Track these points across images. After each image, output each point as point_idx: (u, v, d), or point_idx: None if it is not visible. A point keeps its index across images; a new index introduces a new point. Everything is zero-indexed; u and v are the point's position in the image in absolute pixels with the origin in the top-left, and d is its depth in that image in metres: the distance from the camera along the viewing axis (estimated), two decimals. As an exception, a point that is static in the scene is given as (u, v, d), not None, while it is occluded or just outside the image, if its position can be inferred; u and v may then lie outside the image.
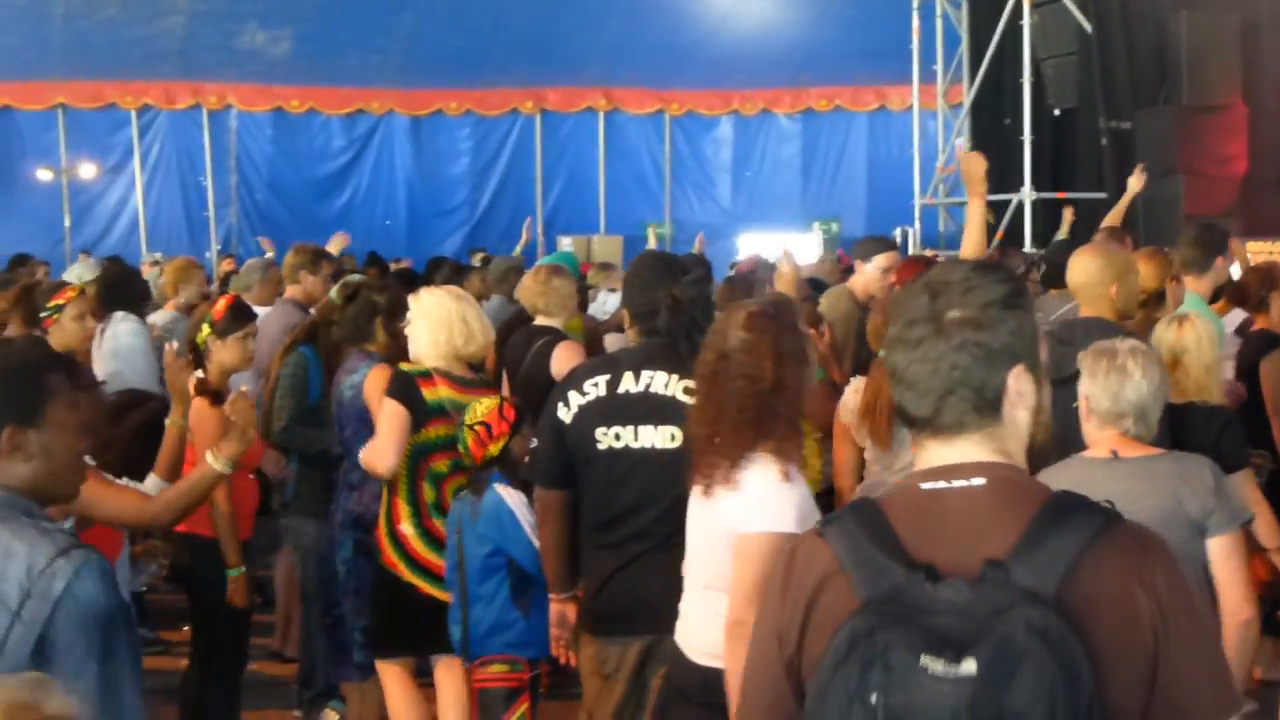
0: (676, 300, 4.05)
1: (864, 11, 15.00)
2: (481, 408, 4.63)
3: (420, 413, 4.74)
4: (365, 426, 5.15)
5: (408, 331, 5.11)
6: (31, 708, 1.06)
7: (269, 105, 18.43)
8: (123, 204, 18.42)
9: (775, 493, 3.22)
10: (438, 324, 4.91)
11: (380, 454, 4.81)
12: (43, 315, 5.93)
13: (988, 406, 1.88)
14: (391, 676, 5.22)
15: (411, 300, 5.15)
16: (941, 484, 1.86)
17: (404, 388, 4.80)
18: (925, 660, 1.60)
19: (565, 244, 15.73)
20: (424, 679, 5.33)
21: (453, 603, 4.72)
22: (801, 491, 3.29)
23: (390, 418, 4.79)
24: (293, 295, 7.43)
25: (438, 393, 4.78)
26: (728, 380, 3.30)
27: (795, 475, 3.29)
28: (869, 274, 6.46)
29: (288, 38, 16.79)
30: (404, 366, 4.96)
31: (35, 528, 2.63)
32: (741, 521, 3.20)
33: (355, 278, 6.76)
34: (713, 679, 3.32)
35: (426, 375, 4.84)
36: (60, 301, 6.05)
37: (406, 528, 4.84)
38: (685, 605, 3.43)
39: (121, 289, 7.51)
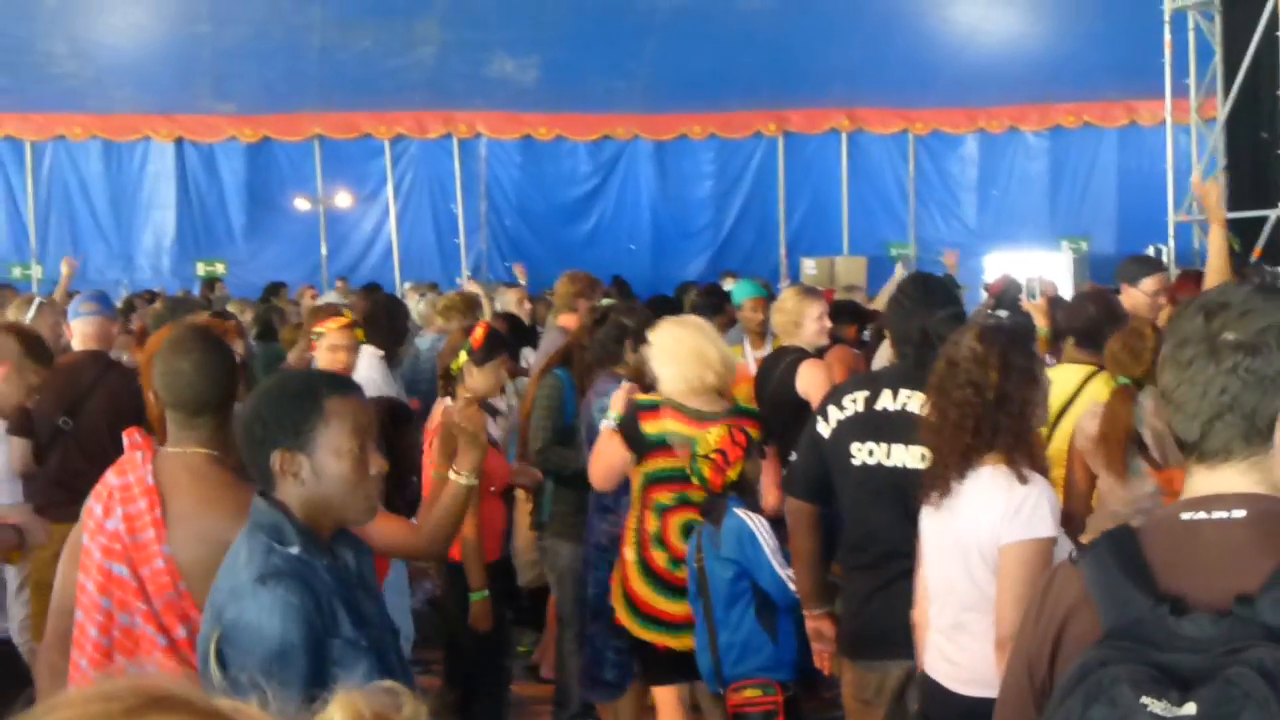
0: (925, 334, 4.27)
1: (1113, 25, 14.82)
2: (713, 436, 4.82)
3: (637, 445, 4.99)
4: (613, 449, 5.68)
5: (650, 362, 5.32)
6: (388, 717, 1.10)
7: (517, 133, 19.08)
8: (377, 231, 19.36)
9: (1020, 499, 3.32)
10: (673, 359, 5.09)
11: (597, 475, 5.22)
12: (313, 337, 6.39)
13: (1257, 435, 1.90)
14: (667, 703, 5.45)
15: (654, 335, 5.32)
16: (1201, 515, 1.91)
17: (626, 419, 5.08)
18: (1147, 699, 1.64)
19: (809, 266, 17.15)
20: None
21: (698, 629, 4.91)
22: (1043, 489, 3.37)
23: (602, 443, 5.15)
24: (565, 323, 7.85)
25: (662, 425, 5.00)
26: (954, 389, 3.45)
27: (1033, 475, 3.37)
28: (1136, 297, 6.39)
29: (535, 66, 17.37)
30: (638, 398, 5.20)
31: (265, 548, 2.85)
32: (998, 534, 3.32)
33: (606, 302, 7.52)
34: (982, 710, 3.16)
35: (654, 407, 5.07)
36: (320, 329, 6.46)
37: (629, 554, 5.09)
38: (938, 635, 3.49)
39: (379, 322, 7.98)
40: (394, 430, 4.11)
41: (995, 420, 3.37)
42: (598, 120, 18.97)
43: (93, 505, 4.02)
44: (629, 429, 5.00)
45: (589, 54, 16.70)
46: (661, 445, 4.93)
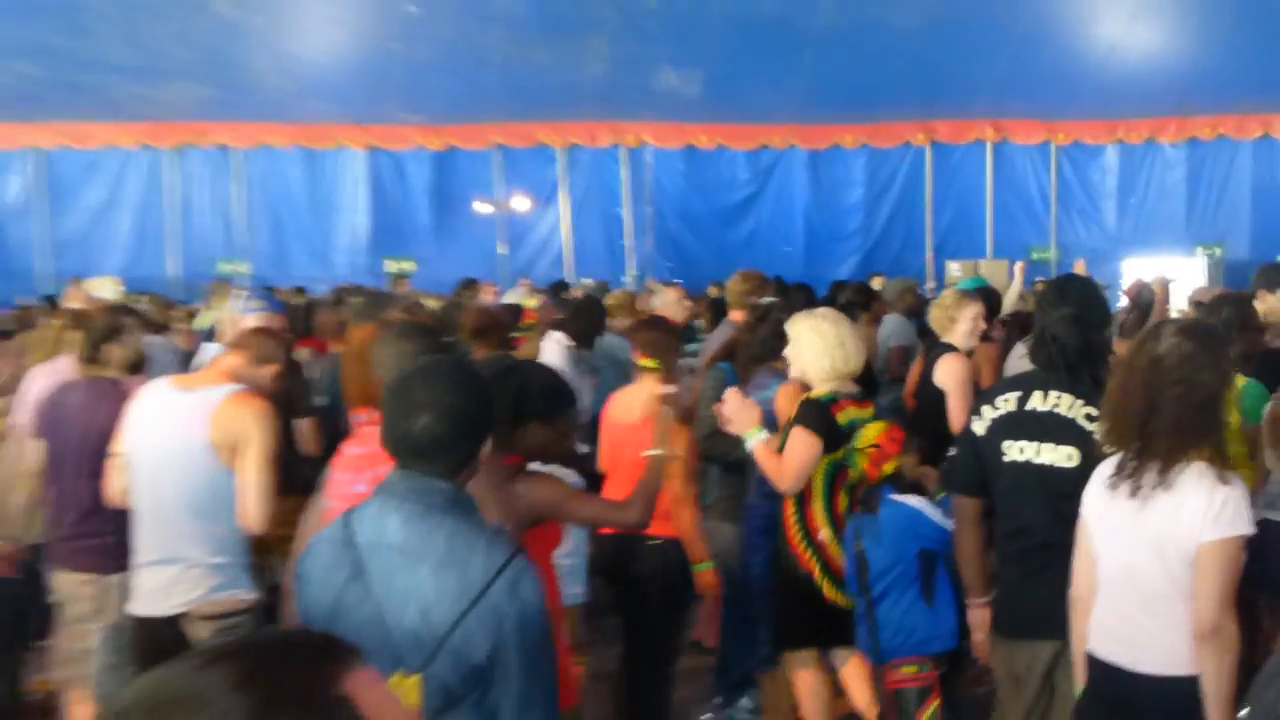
0: (1044, 332, 4.50)
1: (1249, 43, 15.28)
2: (871, 431, 5.14)
3: (835, 436, 5.14)
4: (774, 439, 5.64)
5: (788, 354, 5.50)
6: None
7: (681, 142, 19.84)
8: (550, 233, 20.20)
9: (1223, 498, 3.36)
10: (823, 349, 5.31)
11: (782, 476, 5.26)
12: (513, 335, 6.75)
13: None
14: (799, 665, 5.78)
15: (790, 326, 5.55)
16: None
17: (818, 416, 5.20)
18: None
19: (954, 269, 17.13)
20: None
21: (857, 611, 5.14)
22: (1241, 489, 3.44)
23: (799, 446, 5.20)
24: (736, 319, 8.02)
25: (847, 414, 5.21)
26: (1161, 388, 3.49)
27: (1233, 478, 3.43)
28: (1271, 301, 6.64)
29: (698, 79, 17.60)
30: (812, 395, 5.31)
31: (483, 525, 3.14)
32: (1200, 532, 3.38)
33: (765, 300, 7.48)
34: (1174, 689, 3.51)
35: (834, 400, 5.24)
36: (531, 322, 7.09)
37: (825, 536, 5.25)
38: (1110, 618, 3.54)
39: (578, 318, 8.76)
40: (555, 406, 4.32)
41: (1204, 419, 3.45)
42: (756, 130, 19.66)
43: (335, 474, 4.75)
44: (824, 425, 5.18)
45: (748, 68, 17.17)
46: (852, 431, 5.21)
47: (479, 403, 3.22)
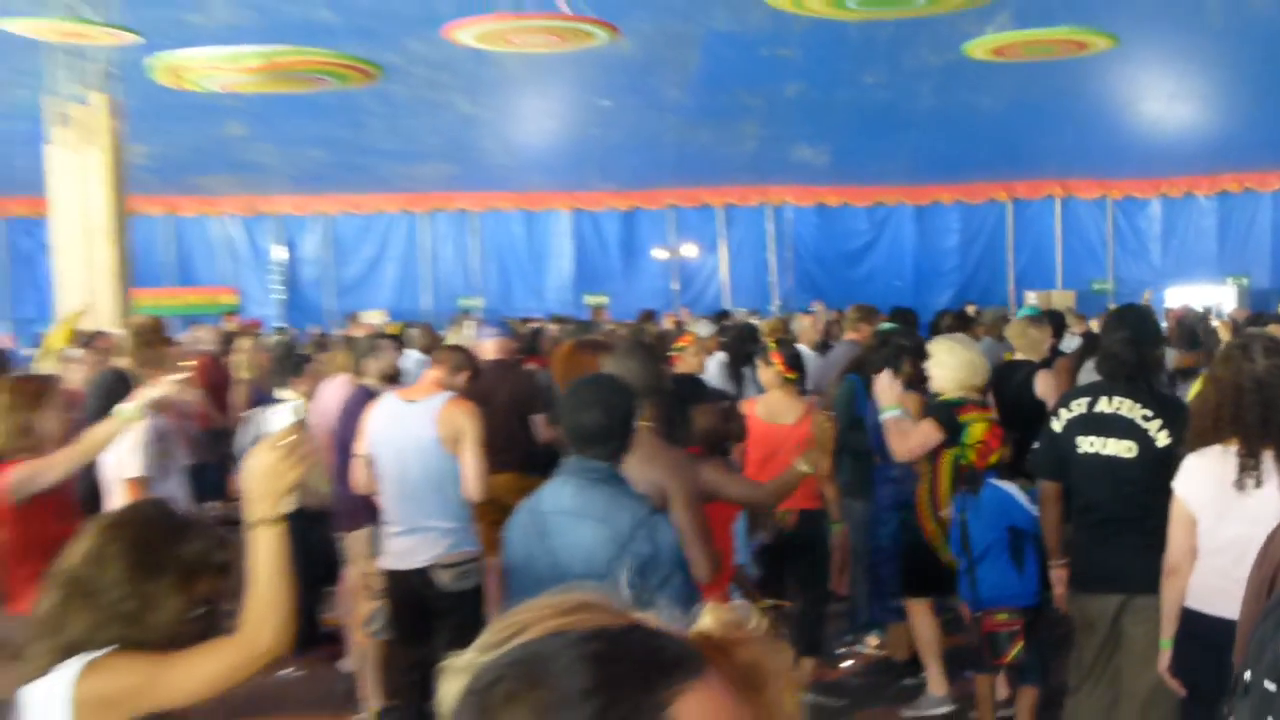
0: (1106, 350, 4.62)
1: (1268, 113, 15.76)
2: (978, 429, 5.25)
3: (956, 431, 5.30)
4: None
5: (928, 366, 5.67)
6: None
7: (814, 201, 20.77)
8: (712, 273, 21.19)
9: None
10: (959, 365, 5.52)
11: (902, 448, 5.46)
12: (669, 353, 7.03)
13: None
14: (920, 609, 6.04)
15: (932, 346, 5.77)
16: None
17: (945, 414, 5.38)
18: None
19: (1031, 298, 17.56)
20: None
21: (960, 569, 5.23)
22: None
23: (924, 431, 5.40)
24: (851, 338, 8.39)
25: (968, 415, 5.36)
26: (1273, 398, 3.63)
27: None
28: None
29: (827, 152, 18.77)
30: (943, 398, 5.49)
31: (631, 492, 3.36)
32: None
33: (887, 326, 7.86)
34: None
35: (961, 404, 5.39)
36: (682, 344, 7.56)
37: (947, 513, 5.37)
38: (1226, 580, 3.43)
39: (733, 342, 8.95)
40: (695, 403, 4.56)
41: None
42: (872, 191, 20.70)
43: None
44: (948, 421, 5.37)
45: (866, 143, 18.11)
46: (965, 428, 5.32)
47: (629, 405, 3.45)
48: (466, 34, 11.34)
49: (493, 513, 5.57)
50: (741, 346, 8.64)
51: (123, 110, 12.27)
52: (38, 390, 4.88)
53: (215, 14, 12.67)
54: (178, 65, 11.99)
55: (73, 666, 2.44)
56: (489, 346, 7.59)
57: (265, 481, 2.58)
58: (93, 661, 2.44)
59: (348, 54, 12.13)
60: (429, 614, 5.60)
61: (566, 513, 3.36)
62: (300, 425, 2.66)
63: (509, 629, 1.16)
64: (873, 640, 6.95)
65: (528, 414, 7.34)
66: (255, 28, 12.33)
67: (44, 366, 8.08)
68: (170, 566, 2.56)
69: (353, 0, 13.00)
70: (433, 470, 5.45)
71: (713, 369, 8.04)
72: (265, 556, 2.58)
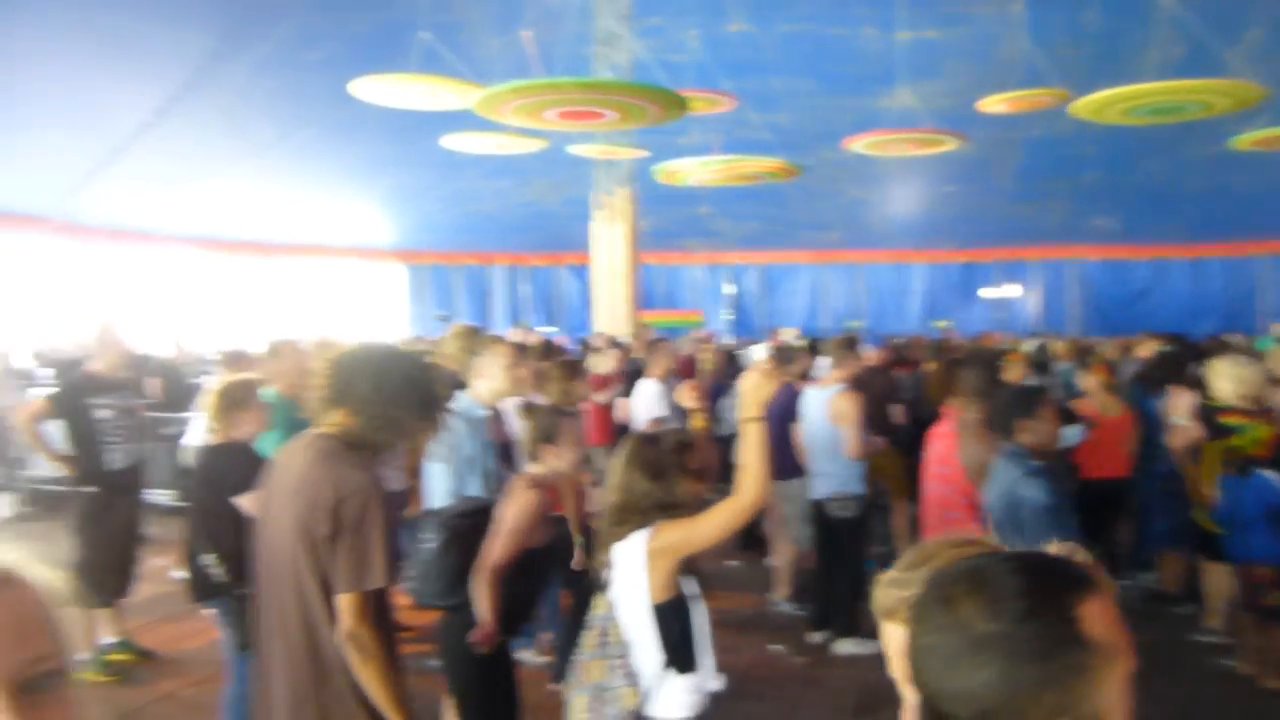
0: None
1: None
2: (1261, 432, 4.93)
3: (1217, 431, 5.02)
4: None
5: (1210, 379, 5.28)
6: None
7: (1106, 256, 20.94)
8: (1024, 308, 20.92)
9: None
10: (1234, 379, 5.14)
11: (1174, 441, 5.19)
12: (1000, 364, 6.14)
13: None
14: (1211, 566, 5.58)
15: (1215, 364, 5.34)
16: None
17: (1207, 416, 5.08)
18: None
19: (1276, 328, 15.64)
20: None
21: (1227, 533, 4.93)
22: None
23: (1186, 430, 5.13)
24: (1139, 356, 8.10)
25: (1231, 419, 5.04)
26: None
27: None
28: None
29: (1118, 220, 18.71)
30: (1211, 403, 5.16)
31: (1018, 460, 3.36)
32: None
33: (1167, 349, 7.50)
34: None
35: (1227, 409, 5.05)
36: (1012, 360, 6.96)
37: (1210, 490, 4.99)
38: None
39: (1037, 360, 8.39)
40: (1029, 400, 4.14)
41: None
42: (1152, 249, 20.63)
43: (931, 444, 4.78)
44: (1209, 422, 5.01)
45: (1148, 213, 18.11)
46: (1231, 432, 4.95)
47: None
48: (858, 144, 12.21)
49: (869, 471, 5.88)
50: (1042, 361, 8.63)
51: (636, 198, 14.38)
52: (575, 367, 5.53)
53: (694, 137, 14.12)
54: (671, 169, 12.80)
55: (643, 533, 2.75)
56: (869, 356, 7.50)
57: (752, 392, 2.71)
58: (655, 528, 2.74)
59: (779, 160, 12.71)
60: (827, 531, 5.93)
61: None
62: (771, 359, 2.82)
63: (921, 555, 1.26)
64: (1151, 579, 6.62)
65: (887, 404, 7.36)
66: (719, 144, 13.44)
67: (596, 361, 8.45)
68: (668, 464, 2.79)
69: (783, 126, 14.77)
70: (827, 437, 5.74)
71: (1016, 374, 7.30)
72: (750, 443, 2.68)
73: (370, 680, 2.40)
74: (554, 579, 4.68)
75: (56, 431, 5.68)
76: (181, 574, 4.69)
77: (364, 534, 2.41)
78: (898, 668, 1.26)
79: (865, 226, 20.25)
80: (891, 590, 1.30)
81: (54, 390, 5.88)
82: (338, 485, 2.42)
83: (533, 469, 3.64)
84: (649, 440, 2.93)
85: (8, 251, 15.78)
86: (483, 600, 3.45)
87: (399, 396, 2.50)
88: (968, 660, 0.96)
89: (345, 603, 2.42)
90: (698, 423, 3.45)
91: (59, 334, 14.24)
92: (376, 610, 2.46)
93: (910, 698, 1.07)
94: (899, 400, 7.54)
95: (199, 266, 19.42)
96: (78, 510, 5.51)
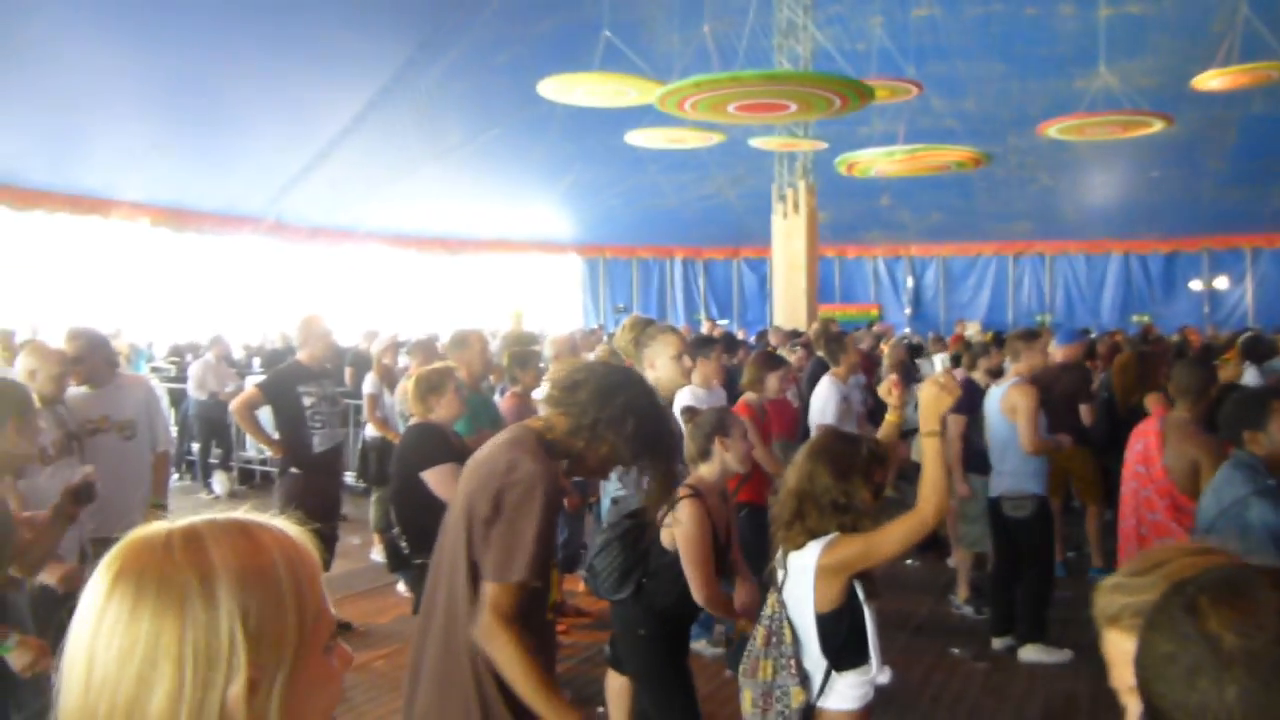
0: None
1: None
2: None
3: None
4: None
5: None
6: None
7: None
8: (1239, 301, 20.27)
9: None
10: None
11: None
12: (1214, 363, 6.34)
13: None
14: None
15: None
16: None
17: None
18: None
19: None
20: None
21: None
22: None
23: None
24: None
25: None
26: None
27: None
28: None
29: None
30: None
31: (1247, 475, 3.09)
32: None
33: None
34: None
35: None
36: (1227, 357, 7.12)
37: None
38: None
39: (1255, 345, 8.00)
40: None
41: None
42: None
43: (1132, 442, 4.60)
44: None
45: None
46: None
47: None
48: (1054, 129, 12.04)
49: (1055, 471, 5.78)
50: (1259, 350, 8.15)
51: (817, 190, 14.51)
52: (772, 360, 5.78)
53: (876, 127, 14.19)
54: (852, 161, 12.83)
55: (817, 544, 2.77)
56: (1059, 351, 7.34)
57: (932, 405, 2.70)
58: (829, 541, 2.75)
59: (966, 148, 12.75)
60: (1005, 532, 5.81)
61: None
62: (948, 372, 2.67)
63: (1150, 560, 1.18)
64: None
65: (1077, 403, 7.20)
66: (902, 133, 13.34)
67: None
68: (855, 468, 2.78)
69: (970, 112, 14.78)
70: (1003, 433, 5.70)
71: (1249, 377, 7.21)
72: (929, 458, 2.66)
73: (505, 668, 2.37)
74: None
75: (266, 417, 6.12)
76: (378, 554, 4.96)
77: (518, 526, 2.39)
78: (1120, 676, 1.22)
79: (1058, 216, 19.89)
80: (1117, 596, 1.24)
81: (264, 379, 6.29)
82: (509, 470, 2.42)
83: (695, 474, 3.67)
84: (843, 438, 2.95)
85: (224, 251, 17.21)
86: (718, 612, 3.61)
87: (614, 419, 2.45)
88: (1211, 675, 0.92)
89: (488, 590, 2.42)
90: (893, 418, 3.44)
91: (268, 327, 15.43)
92: (520, 604, 2.41)
93: (1134, 708, 1.04)
94: (1090, 398, 7.34)
95: (392, 262, 20.82)
96: (284, 489, 5.89)
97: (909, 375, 7.98)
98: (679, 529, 3.50)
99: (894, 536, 2.70)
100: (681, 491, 3.51)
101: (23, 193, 13.68)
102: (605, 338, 11.48)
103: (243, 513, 1.03)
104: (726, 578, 3.70)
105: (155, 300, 16.61)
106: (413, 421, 4.66)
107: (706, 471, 3.67)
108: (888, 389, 3.43)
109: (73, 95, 11.84)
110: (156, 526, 0.97)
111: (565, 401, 2.54)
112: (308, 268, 18.66)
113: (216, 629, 0.90)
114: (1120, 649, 1.22)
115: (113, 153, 13.99)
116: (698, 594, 3.49)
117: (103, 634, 0.90)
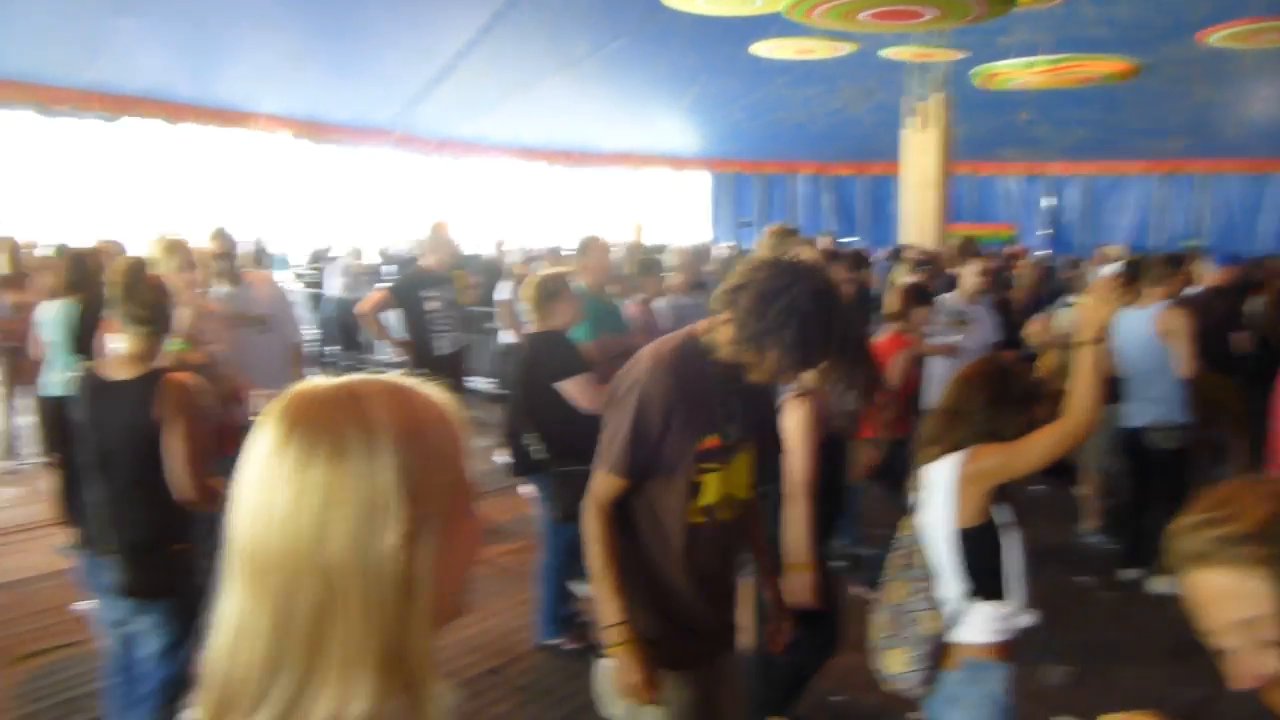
0: None
1: None
2: None
3: None
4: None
5: None
6: None
7: None
8: None
9: None
10: None
11: None
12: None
13: None
14: None
15: None
16: None
17: None
18: None
19: None
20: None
21: None
22: None
23: None
24: None
25: None
26: None
27: None
28: None
29: None
30: None
31: None
32: None
33: None
34: None
35: None
36: None
37: None
38: None
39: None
40: None
41: None
42: None
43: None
44: None
45: None
46: None
47: None
48: (1216, 37, 11.42)
49: (1201, 404, 5.58)
50: None
51: (951, 104, 13.72)
52: (920, 294, 5.75)
53: (1017, 35, 13.11)
54: (990, 72, 12.49)
55: (958, 455, 2.71)
56: (1210, 276, 7.23)
57: (1092, 313, 2.66)
58: (971, 450, 2.70)
59: (1117, 58, 12.17)
60: (1144, 463, 5.68)
61: None
62: (1112, 278, 2.68)
63: (1225, 494, 1.20)
64: None
65: (1230, 331, 7.09)
66: (1047, 43, 12.66)
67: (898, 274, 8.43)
68: (1012, 399, 2.72)
69: (1123, 19, 13.67)
70: (1150, 358, 5.54)
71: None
72: (1084, 367, 2.62)
73: (585, 547, 2.51)
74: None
75: (395, 320, 6.28)
76: (503, 456, 5.12)
77: (613, 420, 2.46)
78: (1220, 612, 1.20)
79: (1215, 133, 18.78)
80: (1204, 532, 1.20)
81: (393, 283, 6.45)
82: (628, 367, 2.49)
83: (800, 383, 3.59)
84: (1002, 366, 2.86)
85: (356, 161, 17.82)
86: (797, 524, 3.48)
87: (773, 328, 2.28)
88: None
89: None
90: (1048, 361, 3.28)
91: (398, 234, 15.80)
92: (605, 494, 2.51)
93: (1229, 647, 1.00)
94: (1244, 327, 7.09)
95: (519, 174, 21.22)
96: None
97: (1043, 299, 7.77)
98: (790, 421, 3.48)
99: (1038, 447, 2.61)
100: (790, 396, 3.51)
101: (175, 106, 14.33)
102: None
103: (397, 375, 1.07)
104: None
105: (293, 209, 17.19)
106: (532, 328, 4.69)
107: (810, 380, 3.60)
108: (1036, 330, 3.28)
109: (214, 10, 12.23)
110: (321, 381, 1.03)
111: (730, 307, 2.43)
112: (435, 179, 19.21)
113: (379, 481, 0.96)
114: (1215, 586, 1.20)
115: (251, 67, 14.43)
116: (790, 495, 3.47)
117: (281, 477, 0.95)
